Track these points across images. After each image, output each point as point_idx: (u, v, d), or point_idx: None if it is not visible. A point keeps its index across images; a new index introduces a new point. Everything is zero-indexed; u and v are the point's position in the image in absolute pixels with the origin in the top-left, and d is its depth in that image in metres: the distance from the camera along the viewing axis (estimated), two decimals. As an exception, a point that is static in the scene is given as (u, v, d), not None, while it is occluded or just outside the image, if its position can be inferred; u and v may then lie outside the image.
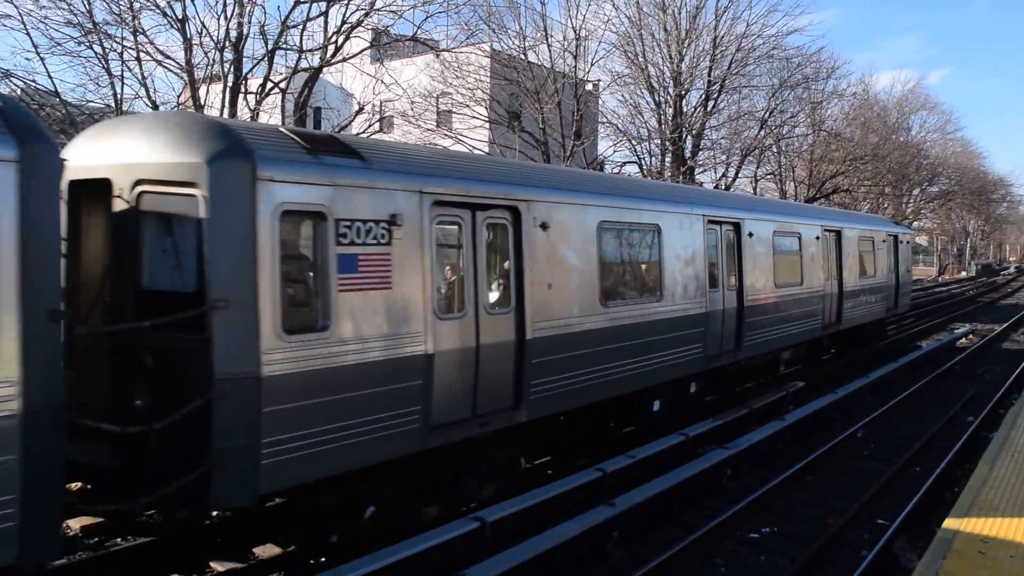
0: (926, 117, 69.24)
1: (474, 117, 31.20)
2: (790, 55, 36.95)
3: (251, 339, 6.85)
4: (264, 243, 6.96)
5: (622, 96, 34.86)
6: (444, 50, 29.11)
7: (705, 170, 37.67)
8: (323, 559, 8.42)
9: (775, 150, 42.32)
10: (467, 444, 9.41)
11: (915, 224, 68.45)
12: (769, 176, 45.68)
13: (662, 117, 34.32)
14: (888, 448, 13.83)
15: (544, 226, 10.11)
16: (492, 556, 7.61)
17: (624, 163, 35.71)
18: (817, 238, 18.62)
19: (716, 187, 35.93)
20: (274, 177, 7.08)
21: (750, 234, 15.54)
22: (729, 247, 14.95)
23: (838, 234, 20.00)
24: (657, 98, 34.30)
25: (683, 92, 34.15)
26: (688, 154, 34.76)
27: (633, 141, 34.45)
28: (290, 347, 7.10)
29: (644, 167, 34.77)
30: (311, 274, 7.55)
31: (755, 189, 43.53)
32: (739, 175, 39.70)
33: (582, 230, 10.96)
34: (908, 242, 27.80)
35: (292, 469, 7.22)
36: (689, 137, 34.89)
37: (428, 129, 30.61)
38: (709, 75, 34.33)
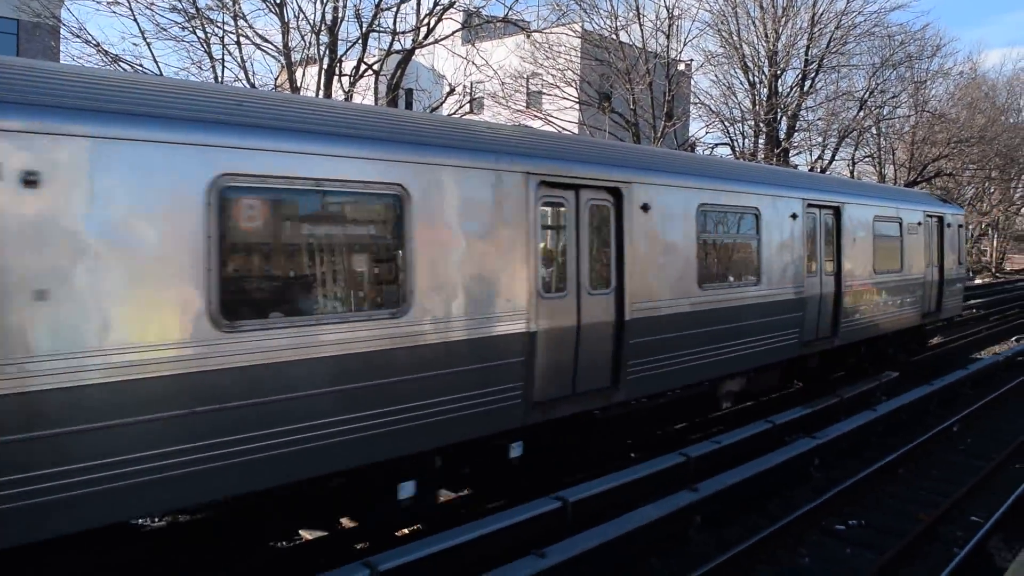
0: (1040, 97, 65.74)
1: (564, 98, 31.15)
2: (892, 32, 35.78)
3: None
4: None
5: (715, 76, 34.45)
6: (535, 31, 29.12)
7: (800, 152, 36.84)
8: (406, 531, 8.72)
9: (874, 132, 40.96)
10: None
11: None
12: (867, 159, 44.24)
13: (756, 97, 33.66)
14: (986, 443, 13.33)
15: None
16: (573, 536, 7.70)
17: (716, 144, 35.20)
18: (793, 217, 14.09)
19: (811, 169, 34.98)
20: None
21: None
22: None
23: (835, 211, 15.05)
24: (751, 78, 33.69)
25: (779, 72, 33.40)
26: (783, 136, 33.95)
27: (726, 122, 33.99)
28: None
29: (736, 149, 34.13)
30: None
31: (852, 172, 42.23)
32: (835, 157, 38.54)
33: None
34: (961, 225, 21.80)
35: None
36: (784, 118, 34.13)
37: (518, 110, 30.69)
38: (806, 54, 33.48)
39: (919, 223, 18.55)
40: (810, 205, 14.09)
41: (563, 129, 29.12)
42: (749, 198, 12.45)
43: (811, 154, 37.83)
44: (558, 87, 31.23)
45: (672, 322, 10.62)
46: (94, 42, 19.86)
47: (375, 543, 8.42)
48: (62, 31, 22.99)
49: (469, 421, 8.13)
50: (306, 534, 8.74)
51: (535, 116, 30.63)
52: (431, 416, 7.70)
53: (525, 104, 31.72)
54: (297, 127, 6.84)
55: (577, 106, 31.60)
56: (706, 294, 11.29)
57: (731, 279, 12.25)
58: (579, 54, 31.48)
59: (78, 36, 20.07)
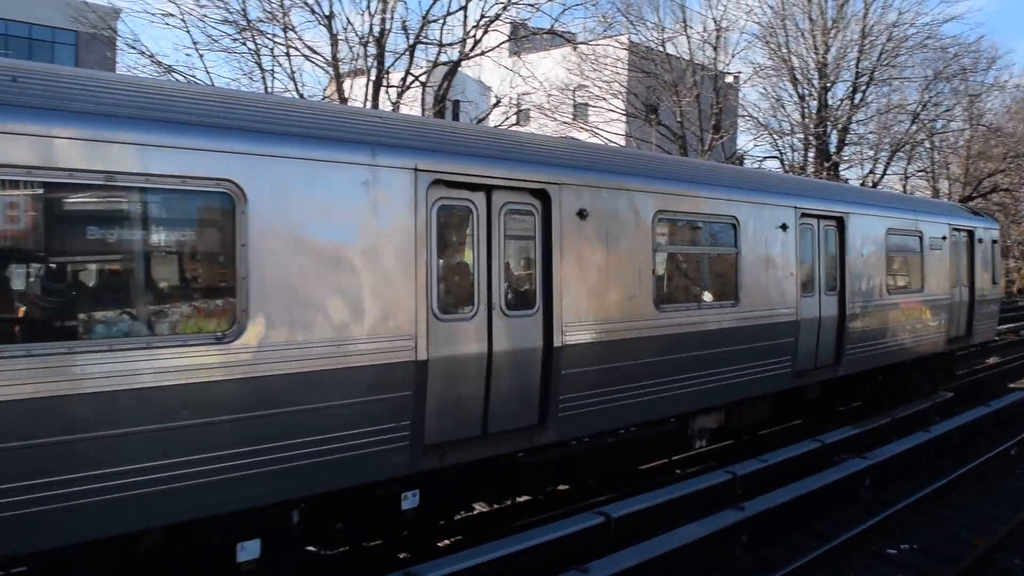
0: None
1: (610, 110, 31.04)
2: (945, 44, 34.96)
3: None
4: None
5: (763, 89, 34.09)
6: (581, 43, 29.07)
7: (851, 166, 36.23)
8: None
9: (927, 146, 40.14)
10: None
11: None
12: (920, 173, 43.40)
13: (805, 110, 33.24)
14: (1046, 467, 12.90)
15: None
16: (615, 552, 7.58)
17: (765, 158, 34.80)
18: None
19: (862, 184, 34.39)
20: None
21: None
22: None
23: (839, 223, 13.47)
24: (800, 90, 33.28)
25: (828, 84, 32.95)
26: (833, 149, 33.45)
27: (774, 135, 33.54)
28: None
29: (785, 162, 33.71)
30: None
31: (905, 187, 41.46)
32: (887, 172, 37.87)
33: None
34: (995, 241, 19.64)
35: None
36: (834, 131, 33.58)
37: (564, 122, 30.66)
38: (857, 66, 33.00)
39: (944, 237, 16.53)
40: (805, 215, 12.47)
41: (609, 141, 28.97)
42: (723, 205, 10.81)
43: (862, 168, 37.22)
44: (604, 99, 31.13)
45: (620, 349, 9.18)
46: (148, 53, 20.28)
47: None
48: (118, 42, 23.56)
49: (335, 468, 6.77)
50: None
51: (581, 128, 30.57)
52: (279, 462, 6.40)
53: (572, 116, 31.67)
54: (80, 108, 5.68)
55: (624, 118, 31.45)
56: (666, 317, 9.76)
57: (700, 299, 10.78)
58: (626, 66, 31.36)
59: (133, 47, 20.53)
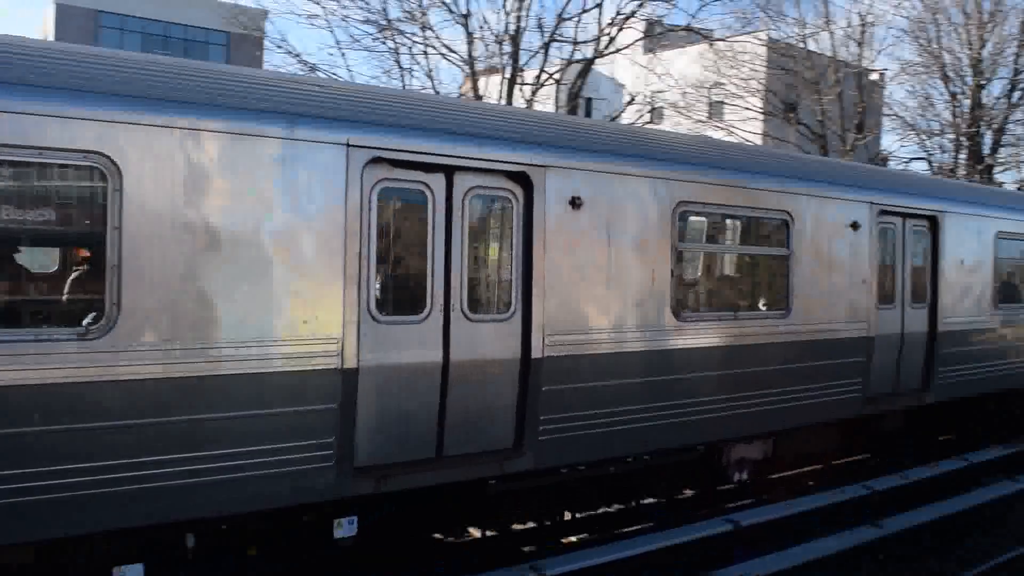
0: None
1: (747, 108, 30.32)
2: (1117, 38, 32.27)
3: None
4: None
5: (911, 86, 32.43)
6: (718, 39, 28.54)
7: (1006, 168, 34.01)
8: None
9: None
10: None
11: None
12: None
13: (957, 109, 31.40)
14: None
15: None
16: (742, 561, 7.46)
17: (911, 159, 33.14)
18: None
19: (1020, 188, 32.33)
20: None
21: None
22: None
23: (931, 222, 11.45)
24: (952, 88, 31.40)
25: (983, 82, 30.99)
26: (987, 151, 31.58)
27: (922, 135, 31.88)
28: None
29: (933, 164, 32.05)
30: None
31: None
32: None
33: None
34: None
35: None
36: (988, 132, 31.64)
37: (699, 120, 30.17)
38: (1015, 62, 30.89)
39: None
40: (885, 212, 10.64)
41: (746, 140, 28.32)
42: (772, 197, 9.25)
43: (1019, 171, 34.93)
44: (741, 97, 30.42)
45: (623, 364, 7.95)
46: (295, 52, 21.23)
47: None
48: (265, 42, 24.79)
49: (232, 488, 5.90)
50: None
51: (716, 127, 29.99)
52: (159, 479, 5.62)
53: (707, 115, 31.10)
54: None
55: (761, 117, 30.67)
56: (689, 327, 8.46)
57: (737, 308, 9.40)
58: (764, 63, 30.53)
59: (280, 47, 21.55)
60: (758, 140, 30.02)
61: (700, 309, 8.94)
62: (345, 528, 6.67)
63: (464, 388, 6.99)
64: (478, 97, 22.44)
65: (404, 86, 21.99)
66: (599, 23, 23.19)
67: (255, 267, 5.95)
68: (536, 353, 7.25)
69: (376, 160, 6.48)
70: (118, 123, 5.41)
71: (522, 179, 7.27)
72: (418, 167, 6.75)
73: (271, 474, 6.03)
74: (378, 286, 6.66)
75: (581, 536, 8.97)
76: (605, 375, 7.80)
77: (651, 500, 9.53)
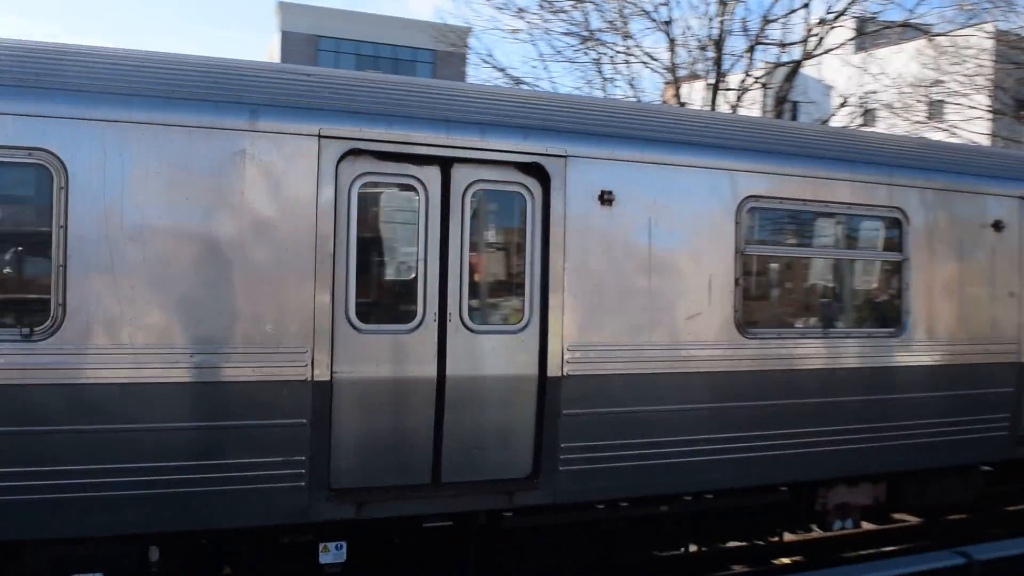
0: None
1: (972, 107, 28.14)
2: None
3: None
4: None
5: None
6: (939, 34, 26.61)
7: None
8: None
9: None
10: None
11: None
12: None
13: None
14: None
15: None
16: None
17: None
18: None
19: None
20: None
21: None
22: None
23: None
24: None
25: None
26: None
27: None
28: None
29: None
30: None
31: None
32: None
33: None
34: None
35: None
36: None
37: (917, 121, 28.34)
38: None
39: None
40: None
41: (970, 141, 26.26)
42: (878, 190, 7.88)
43: None
44: (965, 95, 28.27)
45: (669, 386, 6.95)
46: (500, 67, 21.85)
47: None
48: (471, 58, 25.67)
49: (188, 503, 5.56)
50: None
51: (936, 128, 28.05)
52: (107, 488, 5.36)
53: (927, 115, 29.14)
54: None
55: (988, 116, 28.40)
56: (758, 345, 7.30)
57: (829, 325, 8.08)
58: (992, 57, 28.25)
59: (486, 62, 22.26)
60: (985, 141, 27.74)
61: (776, 325, 7.77)
62: (332, 553, 6.19)
63: (464, 408, 6.33)
64: (680, 104, 22.16)
65: (605, 95, 22.09)
66: (807, 23, 22.30)
67: (212, 268, 5.63)
68: (554, 371, 6.46)
69: (355, 152, 5.99)
70: (63, 118, 5.25)
71: (537, 171, 6.51)
72: (408, 159, 6.18)
73: (235, 491, 5.67)
74: (359, 292, 6.12)
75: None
76: (644, 399, 6.88)
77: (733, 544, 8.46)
